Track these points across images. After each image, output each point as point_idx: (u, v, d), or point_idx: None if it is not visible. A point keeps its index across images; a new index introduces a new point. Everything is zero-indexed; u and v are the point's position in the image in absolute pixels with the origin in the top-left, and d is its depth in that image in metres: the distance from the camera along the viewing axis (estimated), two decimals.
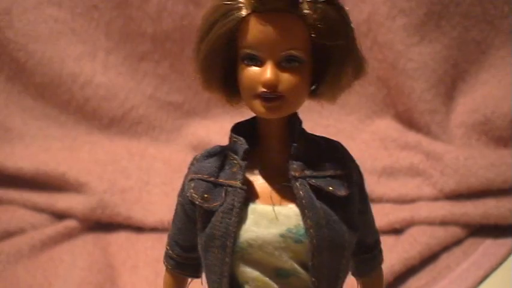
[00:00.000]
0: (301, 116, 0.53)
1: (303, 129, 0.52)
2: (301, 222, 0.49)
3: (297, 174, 0.50)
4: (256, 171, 0.52)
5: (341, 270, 0.51)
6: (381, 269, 0.58)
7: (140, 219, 1.06)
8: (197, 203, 0.51)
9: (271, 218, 0.50)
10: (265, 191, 0.51)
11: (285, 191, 0.51)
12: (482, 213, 0.96)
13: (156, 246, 1.01)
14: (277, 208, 0.50)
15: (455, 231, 0.96)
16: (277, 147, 0.52)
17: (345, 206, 0.51)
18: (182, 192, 0.54)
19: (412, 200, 1.02)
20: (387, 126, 1.15)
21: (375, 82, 1.15)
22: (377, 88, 1.16)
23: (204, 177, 0.52)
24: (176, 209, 0.55)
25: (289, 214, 0.50)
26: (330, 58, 0.49)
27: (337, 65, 0.49)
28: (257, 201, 0.51)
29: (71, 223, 1.05)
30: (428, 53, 1.12)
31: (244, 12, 0.48)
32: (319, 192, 0.50)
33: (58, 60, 1.18)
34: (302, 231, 0.49)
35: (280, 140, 0.52)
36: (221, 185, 0.51)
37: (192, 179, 0.52)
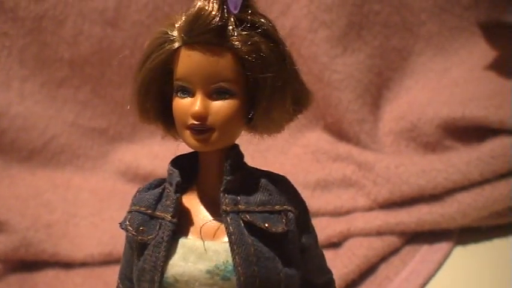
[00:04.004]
0: None
1: (243, 163, 0.52)
2: (230, 259, 0.48)
3: (228, 208, 0.49)
4: (194, 205, 0.52)
5: None
6: None
7: (68, 254, 1.00)
8: (130, 235, 0.52)
9: (200, 253, 0.49)
10: (198, 225, 0.50)
11: (220, 225, 0.50)
12: (417, 221, 0.96)
13: (86, 283, 0.96)
14: (208, 243, 0.49)
15: (391, 241, 0.96)
16: (216, 180, 0.51)
17: (282, 243, 0.50)
18: (122, 221, 0.54)
19: (347, 212, 1.02)
20: (318, 139, 1.14)
21: None
22: None
23: (141, 209, 0.52)
24: (125, 241, 0.55)
25: (218, 250, 0.49)
26: (261, 90, 0.49)
27: (268, 97, 0.49)
28: (188, 235, 0.50)
29: None
30: (352, 63, 1.13)
31: (176, 45, 0.49)
32: (253, 228, 0.49)
33: None
34: (230, 267, 0.48)
35: (218, 173, 0.51)
36: (156, 218, 0.51)
37: (130, 211, 0.53)
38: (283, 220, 0.50)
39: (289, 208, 0.51)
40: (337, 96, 1.12)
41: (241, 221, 0.49)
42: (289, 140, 1.17)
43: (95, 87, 1.17)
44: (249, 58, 0.48)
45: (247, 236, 0.49)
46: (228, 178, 0.50)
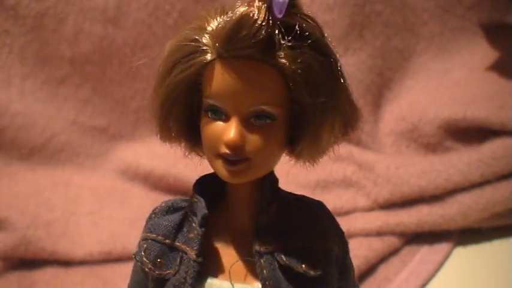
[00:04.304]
0: None
1: (277, 191, 0.46)
2: None
3: (261, 249, 0.43)
4: (221, 237, 0.45)
5: None
6: None
7: (67, 253, 1.00)
8: (147, 269, 0.45)
9: None
10: (226, 263, 0.45)
11: (252, 265, 0.44)
12: (417, 221, 0.96)
13: (86, 282, 0.95)
14: (239, 286, 0.44)
15: (391, 241, 0.96)
16: (247, 211, 0.45)
17: (319, 286, 0.45)
18: (136, 251, 0.48)
19: (347, 212, 1.02)
20: None
21: None
22: None
23: (158, 238, 0.46)
24: (134, 263, 0.49)
25: None
26: (309, 115, 0.42)
27: (317, 125, 0.42)
28: (215, 274, 0.44)
29: None
30: (353, 63, 1.13)
31: (209, 57, 0.41)
32: (288, 270, 0.44)
33: None
34: None
35: (251, 202, 0.45)
36: (177, 250, 0.45)
37: (145, 239, 0.46)
38: (322, 259, 0.45)
39: (329, 246, 0.46)
40: None
41: (276, 263, 0.43)
42: None
43: (96, 86, 1.17)
44: (297, 78, 0.40)
45: (282, 281, 0.43)
46: (263, 216, 0.44)
